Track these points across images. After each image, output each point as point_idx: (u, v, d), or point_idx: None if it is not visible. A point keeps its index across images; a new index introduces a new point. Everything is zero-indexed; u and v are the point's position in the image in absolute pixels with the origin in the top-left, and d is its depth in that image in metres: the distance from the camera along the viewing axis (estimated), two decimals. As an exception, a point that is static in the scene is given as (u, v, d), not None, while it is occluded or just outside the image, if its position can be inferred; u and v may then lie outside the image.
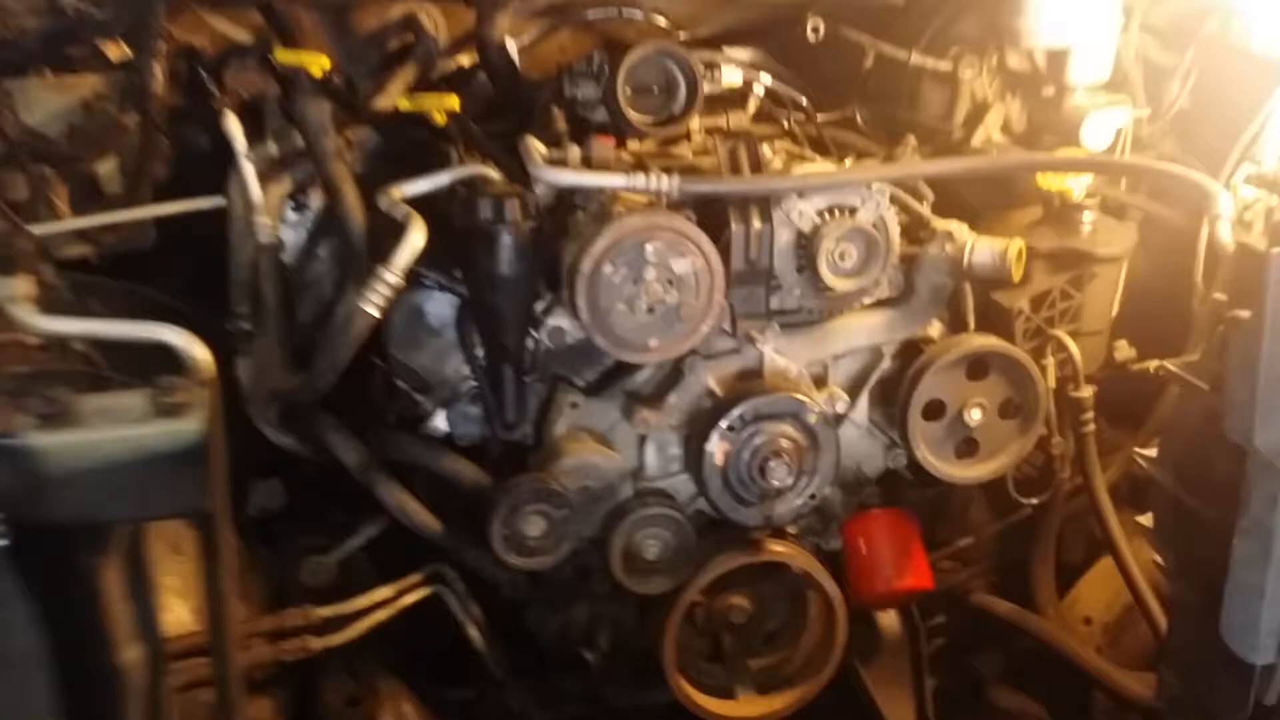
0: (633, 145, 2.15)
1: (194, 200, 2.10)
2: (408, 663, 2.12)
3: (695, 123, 2.20)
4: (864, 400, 2.08)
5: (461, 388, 2.01)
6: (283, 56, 2.01)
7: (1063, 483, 2.21)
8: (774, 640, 2.22)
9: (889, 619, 2.37)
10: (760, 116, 2.33)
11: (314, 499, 2.19)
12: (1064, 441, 2.15)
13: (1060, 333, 2.08)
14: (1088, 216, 2.11)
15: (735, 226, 1.89)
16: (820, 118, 2.34)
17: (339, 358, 1.84)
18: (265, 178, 2.03)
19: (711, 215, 1.92)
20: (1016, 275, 1.94)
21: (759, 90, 2.33)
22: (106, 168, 2.06)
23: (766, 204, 1.90)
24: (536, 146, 1.92)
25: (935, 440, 2.03)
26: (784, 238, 1.91)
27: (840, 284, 1.91)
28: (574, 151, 1.93)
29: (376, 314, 1.81)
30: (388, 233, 1.86)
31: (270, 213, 2.04)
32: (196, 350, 1.31)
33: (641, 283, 1.80)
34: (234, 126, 2.00)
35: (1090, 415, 2.08)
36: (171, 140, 2.08)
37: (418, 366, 2.01)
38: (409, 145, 2.15)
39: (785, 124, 2.30)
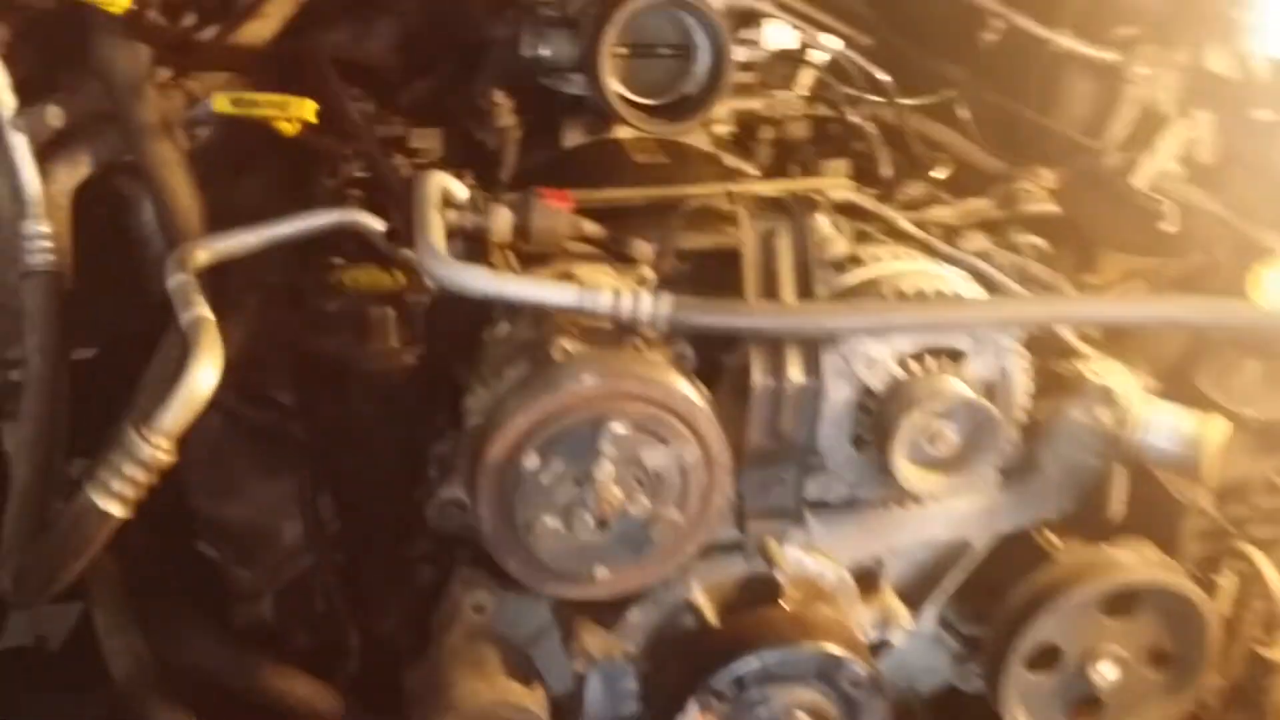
0: (624, 133, 1.44)
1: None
2: None
3: (720, 109, 1.50)
4: (934, 607, 1.35)
5: (302, 563, 1.27)
6: (62, -16, 1.25)
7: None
8: None
9: None
10: (818, 98, 1.61)
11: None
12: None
13: (1250, 548, 1.33)
14: (1326, 360, 1.34)
15: (762, 380, 1.12)
16: (907, 102, 1.60)
17: (56, 572, 1.09)
18: (50, 156, 1.35)
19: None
20: (1213, 475, 1.19)
21: (818, 56, 1.60)
22: None
23: (815, 345, 1.13)
24: (440, 193, 1.13)
25: (1039, 698, 1.30)
26: (838, 396, 1.14)
27: (924, 482, 1.16)
28: (502, 218, 1.13)
29: (120, 512, 1.05)
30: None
31: (54, 211, 1.33)
32: None
33: (589, 484, 1.04)
34: None
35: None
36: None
37: (234, 524, 1.28)
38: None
39: (848, 114, 1.55)
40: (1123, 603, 1.28)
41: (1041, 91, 1.61)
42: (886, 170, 1.51)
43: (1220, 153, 1.59)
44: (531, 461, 1.03)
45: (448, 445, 1.19)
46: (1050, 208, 1.48)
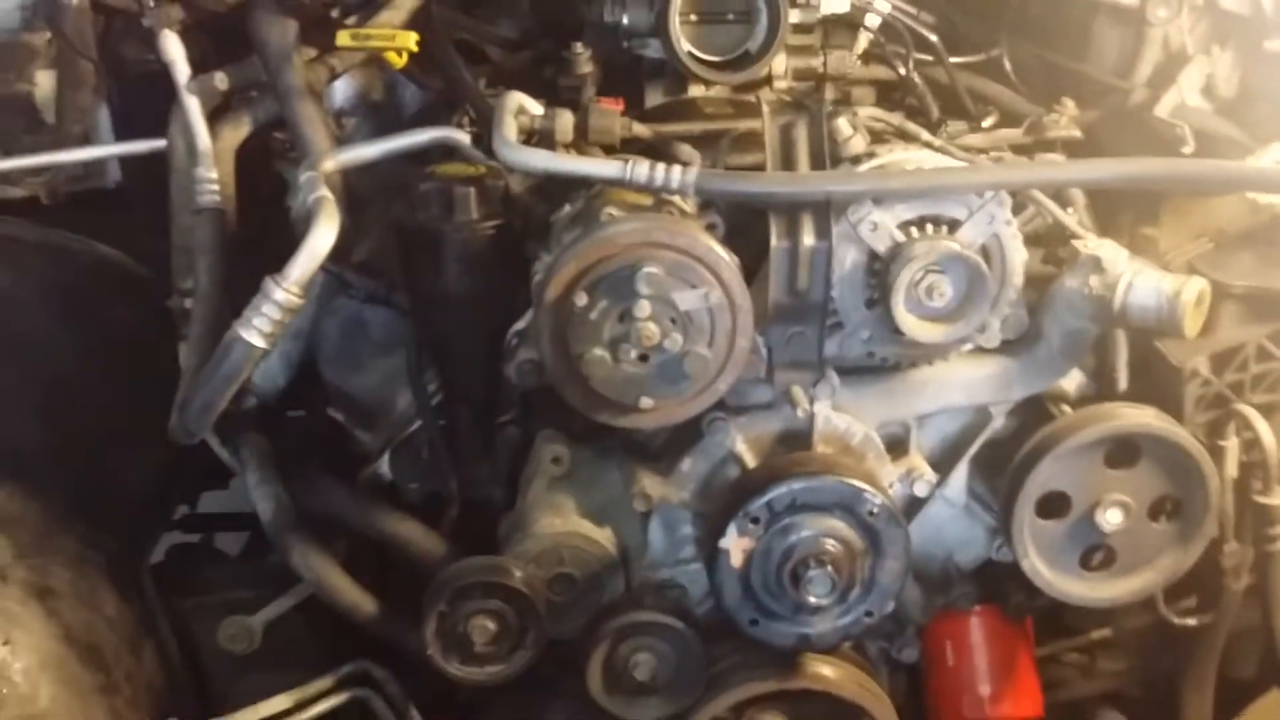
0: (696, 91, 1.63)
1: (131, 143, 1.70)
2: None
3: (781, 65, 1.66)
4: (961, 473, 1.52)
5: (414, 426, 1.52)
6: (226, -41, 1.53)
7: (1235, 600, 1.60)
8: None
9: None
10: (876, 58, 1.77)
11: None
12: (1242, 550, 1.54)
13: (1247, 408, 1.46)
14: (1311, 241, 1.47)
15: (778, 243, 1.33)
16: (956, 61, 1.76)
17: (213, 397, 1.37)
18: (218, 116, 1.60)
19: (752, 222, 1.37)
20: (1191, 329, 1.34)
21: (873, 21, 1.76)
22: (43, 90, 1.68)
23: (826, 211, 1.33)
24: (517, 107, 1.39)
25: (1053, 545, 1.46)
26: (849, 259, 1.35)
27: (924, 331, 1.34)
28: (565, 120, 1.39)
29: (263, 344, 1.33)
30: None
31: (220, 163, 1.58)
32: None
33: (631, 321, 1.27)
34: (174, 50, 1.57)
35: (1281, 529, 1.47)
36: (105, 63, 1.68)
37: (357, 393, 1.54)
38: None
39: (902, 70, 1.72)
40: (1125, 454, 1.43)
41: (1075, 40, 1.77)
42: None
43: (1238, 85, 1.75)
44: (581, 299, 1.26)
45: (527, 320, 1.43)
46: (1074, 133, 1.65)
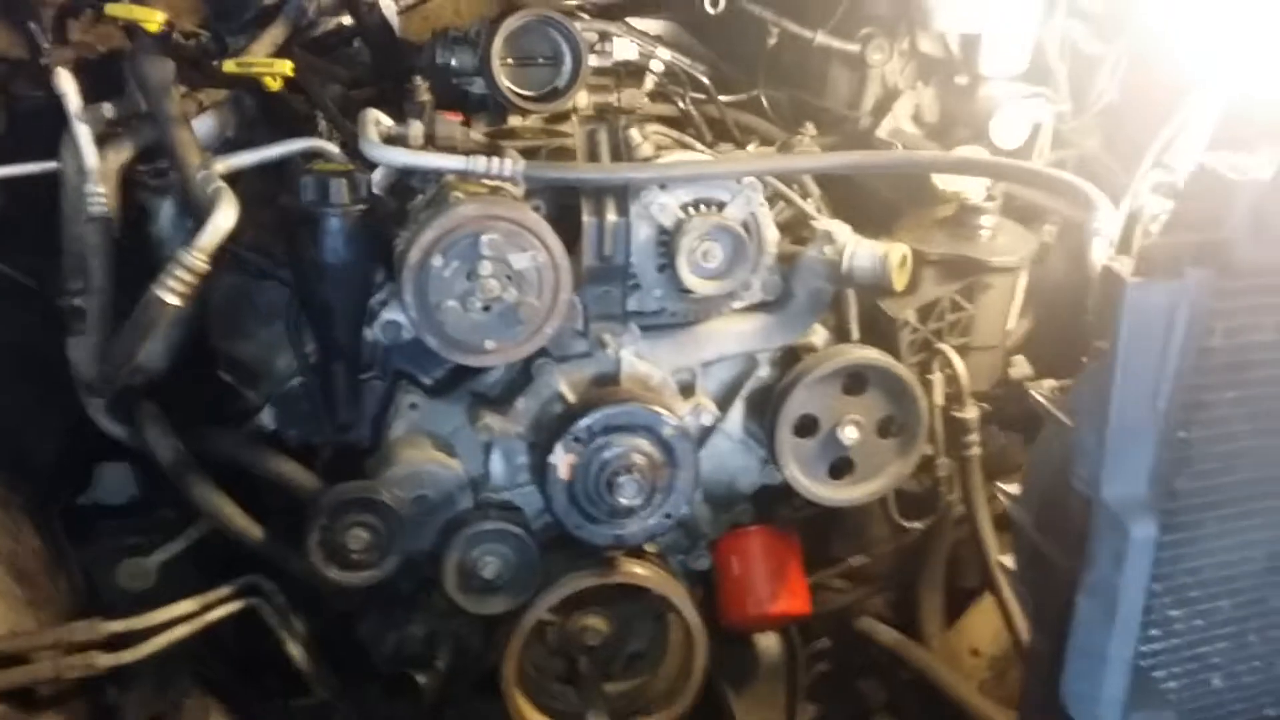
0: (515, 121, 2.00)
1: (26, 164, 1.95)
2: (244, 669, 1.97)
3: (584, 100, 2.06)
4: (738, 411, 1.92)
5: (292, 383, 1.84)
6: (113, 10, 1.82)
7: (950, 506, 2.05)
8: (636, 664, 2.06)
9: (767, 641, 2.21)
10: (660, 95, 2.18)
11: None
12: (950, 463, 1.99)
13: (946, 347, 1.91)
14: (987, 221, 1.94)
15: (588, 218, 1.72)
16: (724, 99, 2.20)
17: (128, 348, 1.67)
18: (104, 141, 1.85)
19: (570, 206, 1.75)
20: (899, 283, 1.78)
21: (657, 66, 2.18)
22: None
23: (625, 195, 1.73)
24: (375, 120, 1.74)
25: (807, 458, 1.87)
26: (643, 233, 1.74)
27: (702, 286, 1.74)
28: (416, 128, 1.75)
29: (176, 301, 1.64)
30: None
31: (106, 180, 1.84)
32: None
33: (476, 278, 1.63)
34: (66, 84, 1.83)
35: (974, 438, 1.92)
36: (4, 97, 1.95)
37: (243, 357, 1.85)
38: (292, 113, 1.99)
39: (681, 105, 2.14)
40: (857, 383, 1.86)
41: (815, 81, 2.22)
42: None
43: (939, 113, 2.23)
44: (437, 261, 1.62)
45: (386, 291, 1.77)
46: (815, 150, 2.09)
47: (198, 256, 1.63)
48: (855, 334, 1.93)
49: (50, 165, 1.88)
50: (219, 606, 1.80)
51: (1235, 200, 1.15)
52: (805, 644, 2.22)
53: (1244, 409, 1.29)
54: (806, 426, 1.86)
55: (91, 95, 1.86)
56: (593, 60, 2.02)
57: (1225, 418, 1.28)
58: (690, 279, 1.73)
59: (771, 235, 1.80)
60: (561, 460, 1.74)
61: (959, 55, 2.13)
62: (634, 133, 1.84)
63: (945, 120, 2.20)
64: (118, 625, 1.69)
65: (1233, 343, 1.24)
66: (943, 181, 1.99)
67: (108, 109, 1.87)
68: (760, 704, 2.16)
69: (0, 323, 1.98)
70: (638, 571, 1.86)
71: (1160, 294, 1.16)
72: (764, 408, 1.90)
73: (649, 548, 1.93)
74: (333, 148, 1.83)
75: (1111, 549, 1.23)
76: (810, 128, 2.12)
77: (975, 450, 1.92)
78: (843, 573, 2.26)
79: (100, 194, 1.83)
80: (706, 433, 1.90)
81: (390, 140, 1.72)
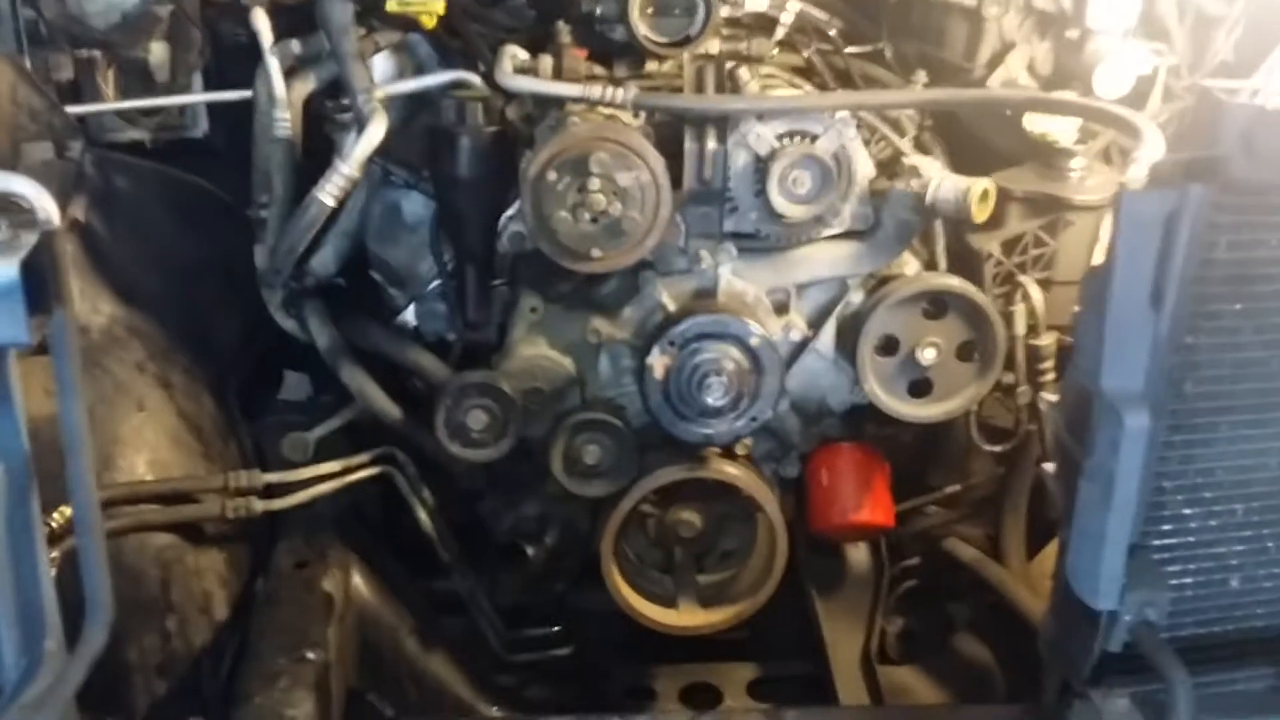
0: (651, 66, 2.21)
1: (227, 92, 2.26)
2: (380, 544, 2.26)
3: (715, 47, 2.24)
4: (829, 332, 2.09)
5: (432, 285, 2.11)
6: (301, -40, 2.11)
7: (1031, 434, 2.17)
8: (727, 559, 2.26)
9: (858, 554, 2.38)
10: (788, 45, 2.35)
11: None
12: (1030, 391, 2.11)
13: (1026, 279, 2.04)
14: (1077, 163, 2.05)
15: (689, 145, 1.92)
16: (850, 51, 2.35)
17: (294, 241, 1.97)
18: (291, 73, 2.14)
19: (675, 135, 1.96)
20: (980, 216, 1.91)
21: (786, 18, 2.35)
22: (156, 56, 2.22)
23: (724, 125, 1.92)
24: (512, 54, 1.98)
25: (887, 376, 2.03)
26: (740, 160, 1.93)
27: (792, 210, 1.92)
28: (545, 61, 1.98)
29: (331, 203, 1.92)
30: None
31: (291, 107, 2.13)
32: (44, 201, 1.38)
33: (585, 192, 1.85)
34: (261, 22, 2.11)
35: (1049, 365, 2.04)
36: (210, 33, 2.23)
37: (392, 261, 2.12)
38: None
39: (805, 55, 2.31)
40: (937, 308, 2.00)
41: (935, 34, 2.35)
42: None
43: (1053, 66, 2.32)
44: (552, 175, 1.84)
45: (516, 207, 2.01)
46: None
47: (351, 165, 1.90)
48: (943, 264, 2.08)
49: (246, 94, 2.19)
50: (359, 470, 2.08)
51: (1226, 122, 1.26)
52: (894, 562, 2.37)
53: (1251, 321, 1.40)
54: (888, 346, 2.01)
55: (284, 34, 2.14)
56: (725, 11, 2.20)
57: (1233, 328, 1.39)
58: (780, 203, 1.91)
59: (863, 169, 1.96)
60: (657, 361, 1.95)
61: (1070, 9, 2.23)
62: (743, 71, 2.02)
63: (1059, 74, 2.30)
64: (273, 476, 2.00)
65: (1236, 256, 1.35)
66: (1030, 124, 2.10)
67: (295, 45, 2.14)
68: (845, 611, 2.33)
69: (200, 231, 2.30)
70: (727, 469, 2.06)
71: (1155, 202, 1.29)
72: (855, 333, 2.06)
73: (742, 453, 2.13)
74: (474, 78, 2.07)
75: (1108, 437, 1.36)
76: (922, 75, 2.25)
77: (1049, 377, 2.04)
78: (937, 500, 2.40)
79: (285, 119, 2.11)
80: (799, 350, 2.07)
81: (521, 71, 1.96)
